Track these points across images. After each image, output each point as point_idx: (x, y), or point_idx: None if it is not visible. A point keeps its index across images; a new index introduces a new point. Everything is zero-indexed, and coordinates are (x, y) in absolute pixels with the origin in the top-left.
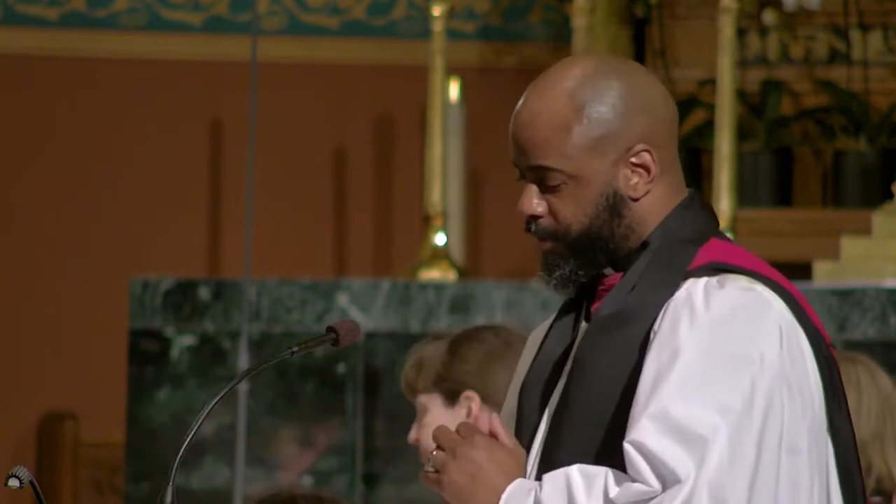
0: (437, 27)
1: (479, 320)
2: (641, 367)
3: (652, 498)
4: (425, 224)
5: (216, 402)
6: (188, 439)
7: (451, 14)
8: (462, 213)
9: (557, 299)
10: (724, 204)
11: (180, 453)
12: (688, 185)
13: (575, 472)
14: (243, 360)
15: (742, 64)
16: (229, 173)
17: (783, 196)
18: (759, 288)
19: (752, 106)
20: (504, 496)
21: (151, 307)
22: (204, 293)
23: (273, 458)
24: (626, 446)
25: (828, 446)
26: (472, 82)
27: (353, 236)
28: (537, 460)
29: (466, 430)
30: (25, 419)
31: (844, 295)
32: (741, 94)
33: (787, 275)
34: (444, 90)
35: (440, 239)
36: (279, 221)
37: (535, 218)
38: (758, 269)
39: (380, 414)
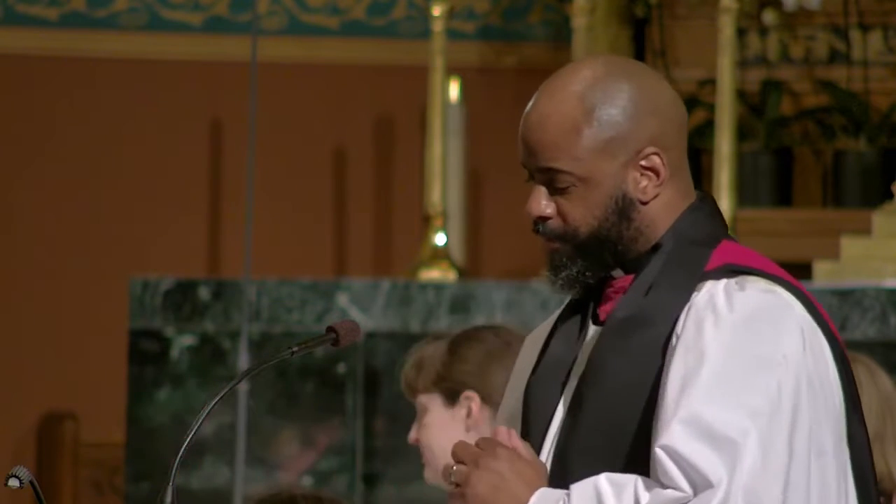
0: (437, 27)
1: (479, 320)
2: (660, 370)
3: (685, 503)
4: (425, 224)
5: (216, 402)
6: (188, 439)
7: (451, 14)
8: (462, 213)
9: (557, 299)
10: (724, 204)
11: (180, 453)
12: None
13: (603, 480)
14: (243, 360)
15: (742, 64)
16: (229, 173)
17: (783, 196)
18: (779, 290)
19: (752, 106)
20: None
21: (151, 307)
22: (204, 293)
23: (273, 458)
24: (658, 451)
25: (846, 449)
26: (472, 82)
27: (353, 236)
28: (550, 463)
29: (487, 444)
30: (25, 419)
31: (844, 295)
32: (741, 94)
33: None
34: (444, 90)
35: (440, 239)
36: (279, 221)
37: (543, 219)
38: (772, 270)
39: (380, 414)
